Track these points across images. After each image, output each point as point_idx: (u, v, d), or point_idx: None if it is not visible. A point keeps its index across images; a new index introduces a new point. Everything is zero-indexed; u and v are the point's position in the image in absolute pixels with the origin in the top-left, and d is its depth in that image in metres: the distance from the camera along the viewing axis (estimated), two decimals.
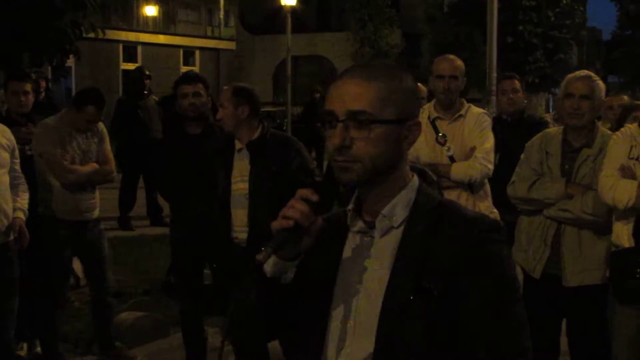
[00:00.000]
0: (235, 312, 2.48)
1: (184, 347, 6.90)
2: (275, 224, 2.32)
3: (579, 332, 5.55)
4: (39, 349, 7.29)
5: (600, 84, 5.46)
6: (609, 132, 5.58)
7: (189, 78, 6.85)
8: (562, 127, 5.65)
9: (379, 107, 2.34)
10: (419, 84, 7.73)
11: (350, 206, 2.48)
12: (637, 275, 4.88)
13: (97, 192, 7.36)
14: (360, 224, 2.45)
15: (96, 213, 7.33)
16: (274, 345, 6.54)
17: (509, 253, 2.46)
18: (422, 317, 2.29)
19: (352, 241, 2.47)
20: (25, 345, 7.39)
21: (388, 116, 2.35)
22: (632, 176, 4.93)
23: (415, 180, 2.46)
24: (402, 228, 2.40)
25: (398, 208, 2.41)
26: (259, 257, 2.29)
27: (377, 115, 2.33)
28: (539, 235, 5.50)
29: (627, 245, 4.97)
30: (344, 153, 2.34)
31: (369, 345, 2.33)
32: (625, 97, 8.55)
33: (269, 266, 2.40)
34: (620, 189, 4.87)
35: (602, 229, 5.28)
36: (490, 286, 2.32)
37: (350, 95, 2.34)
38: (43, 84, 10.63)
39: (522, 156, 5.74)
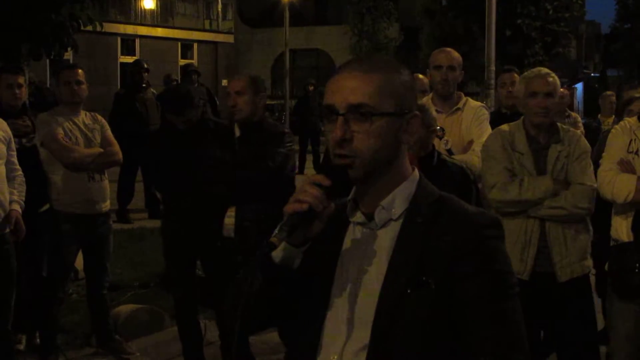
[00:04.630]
0: (234, 304, 2.43)
1: (180, 339, 6.88)
2: (289, 208, 2.29)
3: (567, 323, 5.50)
4: (37, 340, 7.29)
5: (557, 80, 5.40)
6: (567, 126, 5.55)
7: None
8: (516, 124, 5.47)
9: (378, 99, 2.34)
10: (420, 75, 7.74)
11: (350, 197, 2.47)
12: (637, 270, 4.86)
13: (107, 182, 7.34)
14: (359, 216, 2.44)
15: (107, 205, 7.32)
16: (271, 338, 6.56)
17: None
18: (419, 310, 2.28)
19: (352, 233, 2.46)
20: (24, 338, 7.38)
21: (388, 108, 2.35)
22: (631, 170, 4.90)
23: (416, 174, 2.47)
24: (401, 221, 2.39)
25: (397, 200, 2.40)
26: (273, 239, 2.27)
27: (377, 107, 2.33)
28: (522, 236, 5.38)
29: (626, 239, 4.95)
30: (345, 146, 2.33)
31: (365, 337, 2.32)
32: None
33: (278, 252, 2.36)
34: (619, 183, 4.86)
35: (582, 221, 5.27)
36: (487, 282, 2.31)
37: (350, 88, 2.34)
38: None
39: (482, 155, 5.57)
